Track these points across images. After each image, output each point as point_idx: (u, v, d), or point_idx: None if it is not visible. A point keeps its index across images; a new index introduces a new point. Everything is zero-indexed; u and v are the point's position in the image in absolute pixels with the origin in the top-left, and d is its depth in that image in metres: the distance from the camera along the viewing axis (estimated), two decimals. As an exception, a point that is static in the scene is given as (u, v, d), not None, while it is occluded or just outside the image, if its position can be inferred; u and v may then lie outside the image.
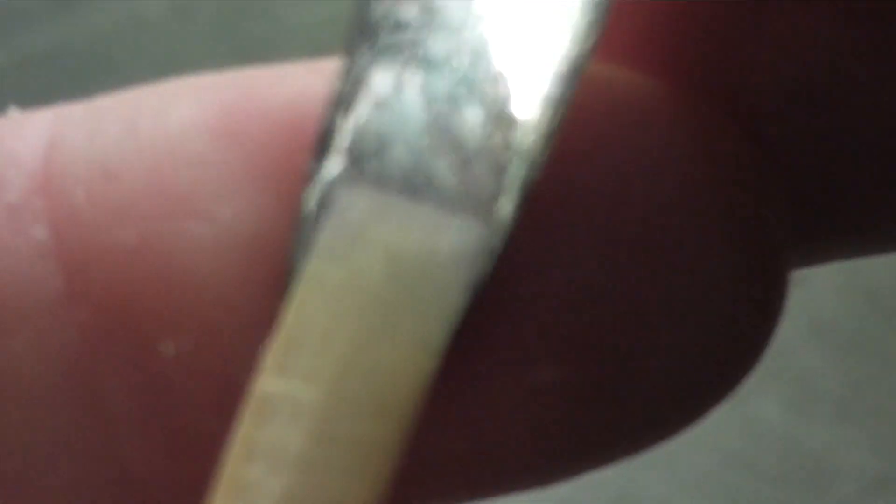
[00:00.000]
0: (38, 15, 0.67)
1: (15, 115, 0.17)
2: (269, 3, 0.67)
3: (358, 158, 0.15)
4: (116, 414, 0.16)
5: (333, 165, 0.15)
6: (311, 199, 0.15)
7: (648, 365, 0.16)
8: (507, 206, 0.15)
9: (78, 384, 0.16)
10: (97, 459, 0.16)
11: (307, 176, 0.15)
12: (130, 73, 0.66)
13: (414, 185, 0.15)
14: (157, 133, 0.16)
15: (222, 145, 0.16)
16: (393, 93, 0.15)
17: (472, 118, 0.15)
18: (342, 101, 0.15)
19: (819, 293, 0.61)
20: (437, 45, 0.15)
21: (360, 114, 0.15)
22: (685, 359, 0.16)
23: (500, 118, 0.15)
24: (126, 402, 0.16)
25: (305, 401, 0.14)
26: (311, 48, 0.69)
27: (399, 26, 0.15)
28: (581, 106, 0.15)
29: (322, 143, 0.15)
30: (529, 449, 0.16)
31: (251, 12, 0.67)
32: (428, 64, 0.15)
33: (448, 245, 0.15)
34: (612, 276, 0.16)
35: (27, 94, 0.67)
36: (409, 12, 0.15)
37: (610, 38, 0.16)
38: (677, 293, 0.16)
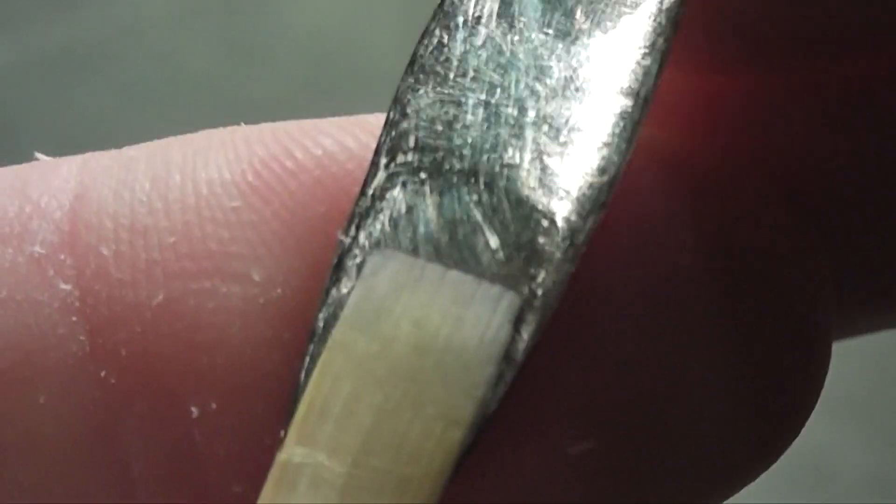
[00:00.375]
0: (39, 15, 0.67)
1: (42, 160, 0.17)
2: (269, 5, 0.67)
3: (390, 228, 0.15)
4: (139, 473, 0.16)
5: (363, 234, 0.15)
6: (340, 263, 0.15)
7: (686, 439, 0.16)
8: (545, 278, 0.14)
9: (100, 442, 0.16)
10: None
11: (337, 241, 0.15)
12: (131, 74, 0.66)
13: (445, 252, 0.14)
14: (187, 190, 0.16)
15: (253, 204, 0.16)
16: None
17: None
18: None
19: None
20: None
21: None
22: (725, 434, 0.16)
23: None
24: (149, 461, 0.16)
25: (329, 472, 0.14)
26: (310, 50, 0.69)
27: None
28: (626, 173, 0.15)
29: (350, 219, 0.15)
30: None
31: (251, 13, 0.67)
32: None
33: (480, 316, 0.14)
34: (651, 349, 0.15)
35: (28, 93, 0.67)
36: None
37: (657, 106, 0.15)
38: (719, 366, 0.16)
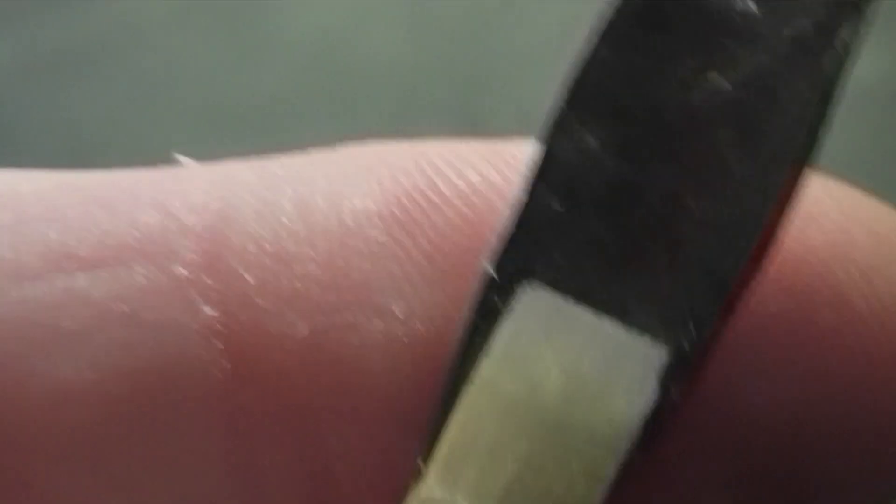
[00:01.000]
0: (39, 15, 0.67)
1: (182, 165, 0.17)
2: (269, 5, 0.67)
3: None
4: (277, 500, 0.16)
5: (511, 267, 0.14)
6: (486, 297, 0.14)
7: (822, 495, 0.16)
8: (696, 333, 0.14)
9: (238, 471, 0.16)
10: None
11: (482, 272, 0.14)
12: (131, 74, 0.66)
13: (597, 294, 0.14)
14: (332, 219, 0.16)
15: (396, 237, 0.16)
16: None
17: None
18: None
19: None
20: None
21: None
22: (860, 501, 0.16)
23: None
24: (287, 493, 0.16)
25: None
26: (310, 50, 0.69)
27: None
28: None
29: (498, 250, 0.14)
30: None
31: (251, 14, 0.67)
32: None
33: (631, 372, 0.14)
34: (790, 411, 0.15)
35: (28, 93, 0.67)
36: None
37: None
38: (860, 427, 0.15)
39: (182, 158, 0.17)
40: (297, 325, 0.15)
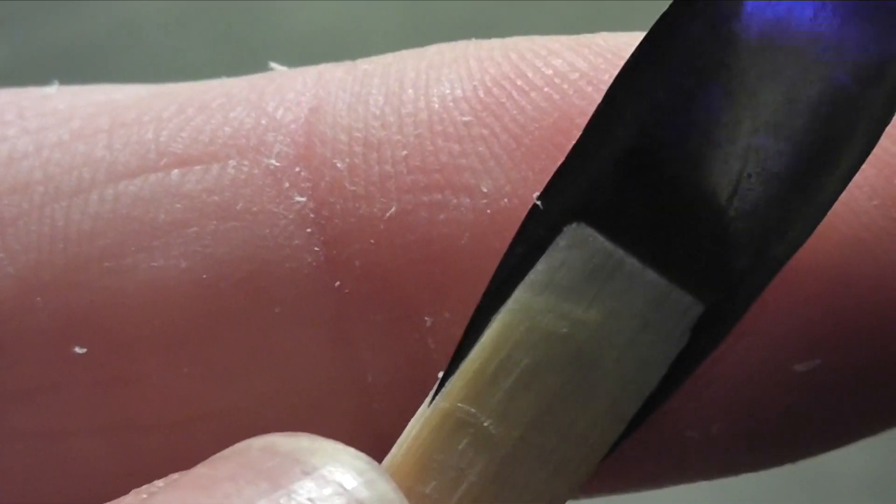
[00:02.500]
0: (39, 15, 0.67)
1: (279, 70, 0.17)
2: (268, 5, 0.67)
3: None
4: (373, 381, 0.16)
5: (563, 200, 0.15)
6: (542, 217, 0.15)
7: None
8: (734, 293, 0.14)
9: (335, 351, 0.16)
10: (351, 421, 0.17)
11: (543, 194, 0.15)
12: (131, 74, 0.66)
13: (644, 247, 0.14)
14: (420, 105, 0.16)
15: (483, 119, 0.16)
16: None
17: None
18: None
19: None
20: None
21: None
22: None
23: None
24: (384, 369, 0.16)
25: (492, 440, 0.14)
26: (310, 50, 0.69)
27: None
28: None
29: (553, 181, 0.15)
30: (794, 431, 0.16)
31: (251, 14, 0.67)
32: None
33: (666, 322, 0.14)
34: (879, 276, 0.16)
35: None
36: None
37: None
38: None
39: (276, 66, 0.18)
40: (386, 207, 0.16)
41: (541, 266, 0.15)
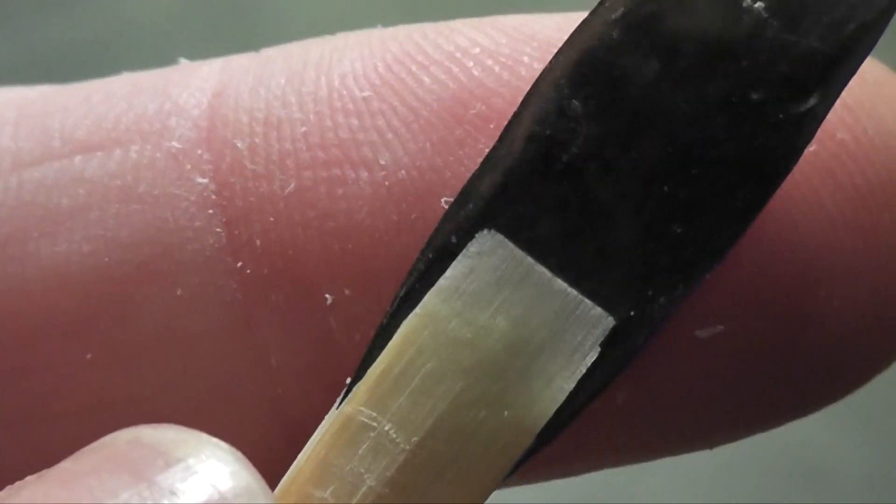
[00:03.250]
0: (39, 15, 0.67)
1: (187, 63, 0.18)
2: (268, 5, 0.67)
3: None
4: (277, 362, 0.16)
5: (476, 206, 0.15)
6: (454, 222, 0.15)
7: (813, 322, 0.16)
8: (651, 307, 0.14)
9: (238, 332, 0.16)
10: (256, 404, 0.16)
11: (455, 200, 0.15)
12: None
13: (556, 257, 0.14)
14: (321, 83, 0.16)
15: (382, 94, 0.16)
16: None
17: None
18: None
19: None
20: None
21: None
22: (851, 318, 0.16)
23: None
24: (287, 350, 0.16)
25: (393, 444, 0.14)
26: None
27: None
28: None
29: (479, 173, 0.15)
30: (694, 405, 0.16)
31: (251, 13, 0.67)
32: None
33: (575, 334, 0.14)
34: (782, 242, 0.16)
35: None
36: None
37: None
38: (845, 258, 0.16)
39: (184, 60, 0.18)
40: (285, 184, 0.16)
41: (450, 272, 0.14)
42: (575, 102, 0.14)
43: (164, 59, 0.64)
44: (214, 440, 0.14)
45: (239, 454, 0.14)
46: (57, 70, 0.67)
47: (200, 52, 0.64)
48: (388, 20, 0.64)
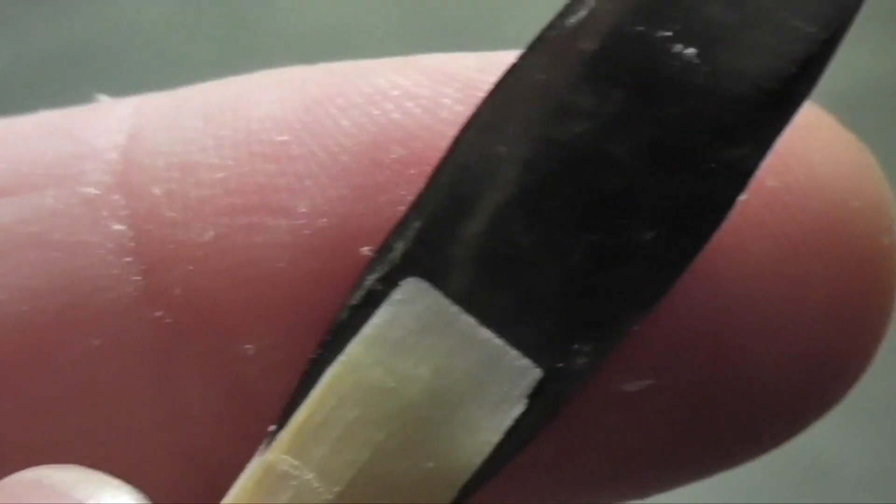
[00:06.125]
0: (39, 15, 0.67)
1: (102, 101, 0.17)
2: (268, 5, 0.67)
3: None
4: (196, 413, 0.16)
5: (400, 251, 0.14)
6: (377, 270, 0.14)
7: (744, 379, 0.16)
8: (578, 358, 0.14)
9: (156, 383, 0.16)
10: (174, 454, 0.16)
11: (379, 247, 0.14)
12: (131, 74, 0.66)
13: (480, 306, 0.14)
14: (238, 126, 0.16)
15: (301, 138, 0.16)
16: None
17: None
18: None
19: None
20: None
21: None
22: (782, 376, 0.16)
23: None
24: (206, 401, 0.16)
25: (314, 494, 0.14)
26: (310, 50, 0.69)
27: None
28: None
29: (403, 221, 0.14)
30: (622, 457, 0.16)
31: (251, 13, 0.67)
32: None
33: (500, 385, 0.14)
34: (709, 293, 0.15)
35: (28, 93, 0.67)
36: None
37: None
38: (779, 308, 0.15)
39: (103, 97, 0.17)
40: (203, 232, 0.16)
41: (374, 320, 0.14)
42: (501, 147, 0.14)
43: (164, 59, 0.64)
44: (117, 481, 0.14)
45: (139, 495, 0.14)
46: (57, 70, 0.67)
47: (200, 52, 0.64)
48: (389, 20, 0.64)
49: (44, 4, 0.68)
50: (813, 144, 0.15)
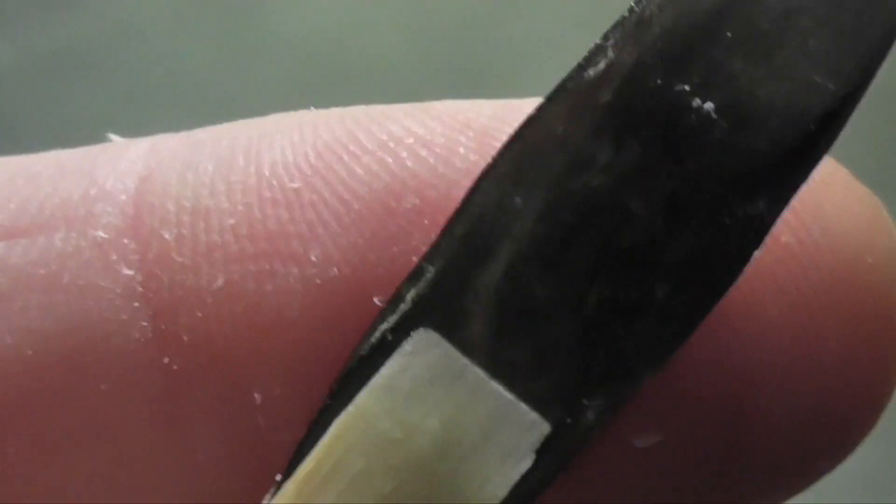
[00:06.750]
0: (39, 15, 0.67)
1: (113, 142, 0.17)
2: (268, 5, 0.67)
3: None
4: (203, 459, 0.16)
5: (411, 301, 0.14)
6: (389, 320, 0.14)
7: (755, 435, 0.16)
8: (588, 413, 0.14)
9: (163, 429, 0.16)
10: (177, 500, 0.16)
11: (391, 297, 0.14)
12: (131, 74, 0.66)
13: (490, 358, 0.14)
14: (249, 171, 0.16)
15: (313, 185, 0.16)
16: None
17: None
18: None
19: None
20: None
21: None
22: (794, 432, 0.16)
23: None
24: (213, 448, 0.16)
25: None
26: (309, 50, 0.69)
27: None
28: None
29: (416, 270, 0.14)
30: None
31: (250, 14, 0.67)
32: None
33: (508, 439, 0.14)
34: (721, 348, 0.15)
35: (28, 93, 0.67)
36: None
37: None
38: (790, 366, 0.15)
39: (113, 136, 0.17)
40: (213, 278, 0.15)
41: (384, 370, 0.14)
42: (517, 199, 0.14)
43: (164, 59, 0.64)
44: None
45: None
46: (57, 70, 0.67)
47: (200, 52, 0.63)
48: (390, 21, 0.64)
49: (44, 4, 0.68)
50: (827, 199, 0.15)
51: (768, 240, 0.14)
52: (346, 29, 0.67)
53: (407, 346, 0.14)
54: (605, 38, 0.14)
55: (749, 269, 0.14)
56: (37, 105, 0.64)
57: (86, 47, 0.67)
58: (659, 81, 0.14)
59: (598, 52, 0.14)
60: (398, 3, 0.68)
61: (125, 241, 0.16)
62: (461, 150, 0.15)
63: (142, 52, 0.67)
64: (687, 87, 0.14)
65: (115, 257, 0.16)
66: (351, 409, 0.14)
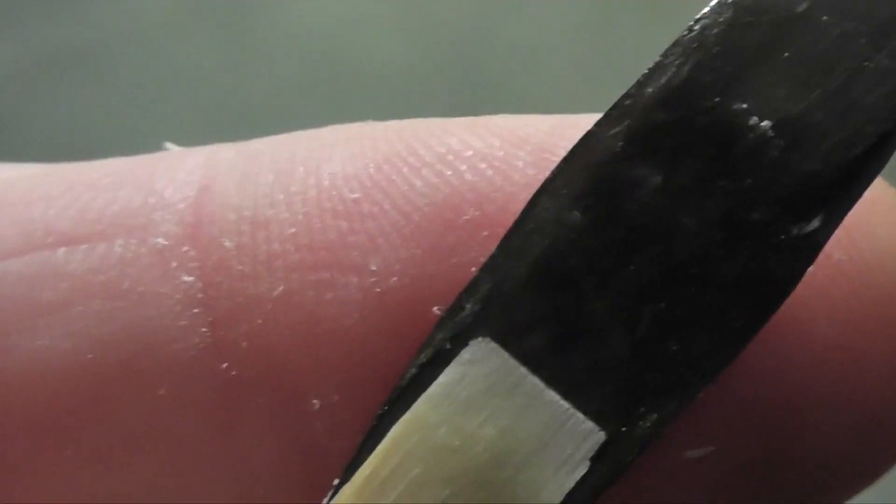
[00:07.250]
0: (39, 15, 0.67)
1: (172, 150, 0.17)
2: (268, 5, 0.67)
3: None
4: (259, 465, 0.16)
5: (470, 313, 0.14)
6: (447, 329, 0.14)
7: (806, 446, 0.16)
8: (642, 423, 0.14)
9: (220, 434, 0.16)
10: (235, 502, 0.16)
11: (450, 307, 0.15)
12: (131, 74, 0.66)
13: (547, 368, 0.14)
14: (309, 182, 0.16)
15: (373, 196, 0.16)
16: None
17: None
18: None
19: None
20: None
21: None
22: (845, 441, 0.16)
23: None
24: (269, 454, 0.16)
25: None
26: (310, 50, 0.69)
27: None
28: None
29: (474, 281, 0.15)
30: None
31: (251, 13, 0.67)
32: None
33: (563, 448, 0.14)
34: (773, 358, 0.15)
35: (28, 93, 0.67)
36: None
37: None
38: (838, 380, 0.16)
39: (170, 146, 0.17)
40: (273, 286, 0.16)
41: (442, 378, 0.14)
42: (575, 213, 0.14)
43: (164, 59, 0.64)
44: None
45: None
46: (57, 71, 0.67)
47: (200, 52, 0.63)
48: (385, 20, 0.64)
49: (44, 4, 0.68)
50: (878, 217, 0.16)
51: (820, 257, 0.14)
52: (347, 31, 0.67)
53: (465, 355, 0.14)
54: (665, 55, 0.14)
55: (801, 286, 0.14)
56: (37, 105, 0.64)
57: (86, 48, 0.67)
58: (717, 100, 0.14)
59: (656, 69, 0.14)
60: (399, 3, 0.68)
61: (185, 248, 0.16)
62: (519, 164, 0.16)
63: (143, 52, 0.67)
64: (745, 106, 0.14)
65: (174, 265, 0.16)
66: (408, 416, 0.14)
